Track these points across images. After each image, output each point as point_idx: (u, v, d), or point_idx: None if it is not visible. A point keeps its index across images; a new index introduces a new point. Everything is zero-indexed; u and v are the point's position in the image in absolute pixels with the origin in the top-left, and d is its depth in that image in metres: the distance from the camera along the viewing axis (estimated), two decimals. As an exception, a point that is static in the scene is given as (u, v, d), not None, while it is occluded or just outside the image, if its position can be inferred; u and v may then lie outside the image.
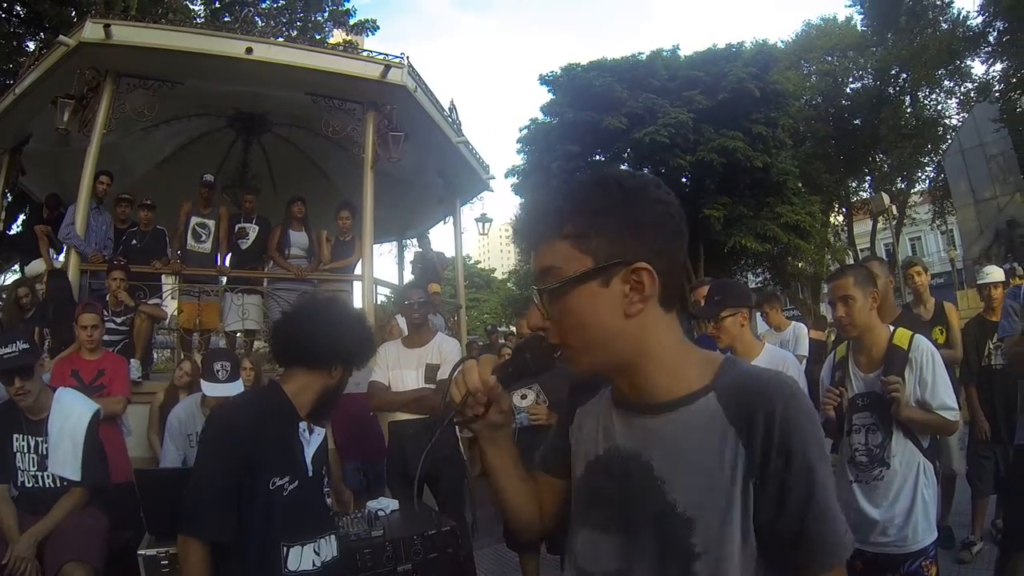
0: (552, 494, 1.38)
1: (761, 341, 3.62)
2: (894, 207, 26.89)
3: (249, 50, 7.16)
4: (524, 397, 4.46)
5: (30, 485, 3.58)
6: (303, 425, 2.32)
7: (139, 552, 3.20)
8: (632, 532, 1.14)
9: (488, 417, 1.29)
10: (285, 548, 2.17)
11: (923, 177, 29.40)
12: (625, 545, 1.15)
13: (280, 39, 8.77)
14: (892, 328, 3.06)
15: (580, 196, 1.15)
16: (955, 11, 22.96)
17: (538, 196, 1.38)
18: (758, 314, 6.37)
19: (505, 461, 1.37)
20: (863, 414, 3.01)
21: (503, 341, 10.74)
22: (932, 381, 2.89)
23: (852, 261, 24.14)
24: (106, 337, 5.75)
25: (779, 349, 3.76)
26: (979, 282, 5.53)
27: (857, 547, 2.96)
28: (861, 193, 31.27)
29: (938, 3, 22.78)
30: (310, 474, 2.31)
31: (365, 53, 8.20)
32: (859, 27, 27.13)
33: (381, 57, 7.67)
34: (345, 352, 2.35)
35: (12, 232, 11.10)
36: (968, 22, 22.45)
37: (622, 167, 24.49)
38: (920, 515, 2.86)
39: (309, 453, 2.32)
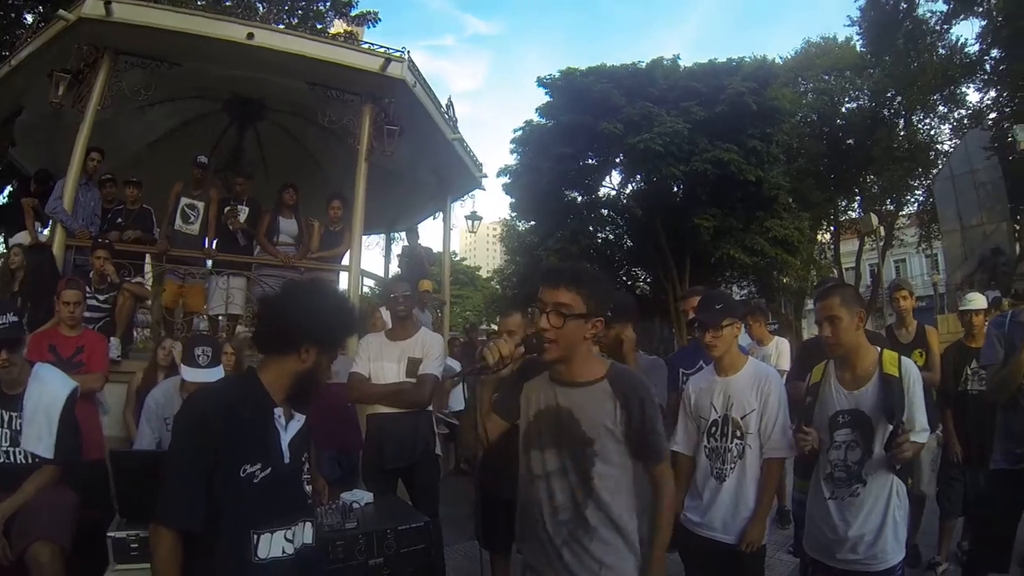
0: (496, 429, 2.50)
1: (746, 355, 3.63)
2: (882, 228, 27.12)
3: (250, 35, 7.11)
4: None
5: (1, 460, 3.52)
6: (279, 411, 2.30)
7: (108, 534, 3.19)
8: (562, 447, 2.34)
9: (501, 373, 2.32)
10: (255, 535, 2.16)
11: (912, 200, 29.49)
12: (558, 455, 2.34)
13: (281, 26, 8.73)
14: (879, 349, 3.09)
15: (591, 276, 2.34)
16: (953, 37, 23.00)
17: (567, 263, 2.56)
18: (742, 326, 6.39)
19: (487, 401, 2.46)
20: (844, 431, 3.03)
21: (483, 339, 10.73)
22: (915, 404, 2.93)
23: (821, 280, 24.33)
24: (88, 314, 5.71)
25: (763, 364, 3.76)
26: (961, 308, 5.58)
27: (826, 563, 3.03)
28: (850, 212, 31.43)
29: (936, 29, 22.83)
30: (286, 461, 2.28)
31: (366, 45, 8.18)
32: (858, 48, 27.20)
33: (382, 50, 7.63)
34: (315, 334, 2.28)
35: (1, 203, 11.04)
36: (965, 49, 22.53)
37: (615, 172, 24.59)
38: (890, 534, 2.90)
39: (285, 440, 2.30)
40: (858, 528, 2.91)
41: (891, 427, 2.84)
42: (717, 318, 3.39)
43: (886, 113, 27.61)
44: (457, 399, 7.57)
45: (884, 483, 2.94)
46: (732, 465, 3.30)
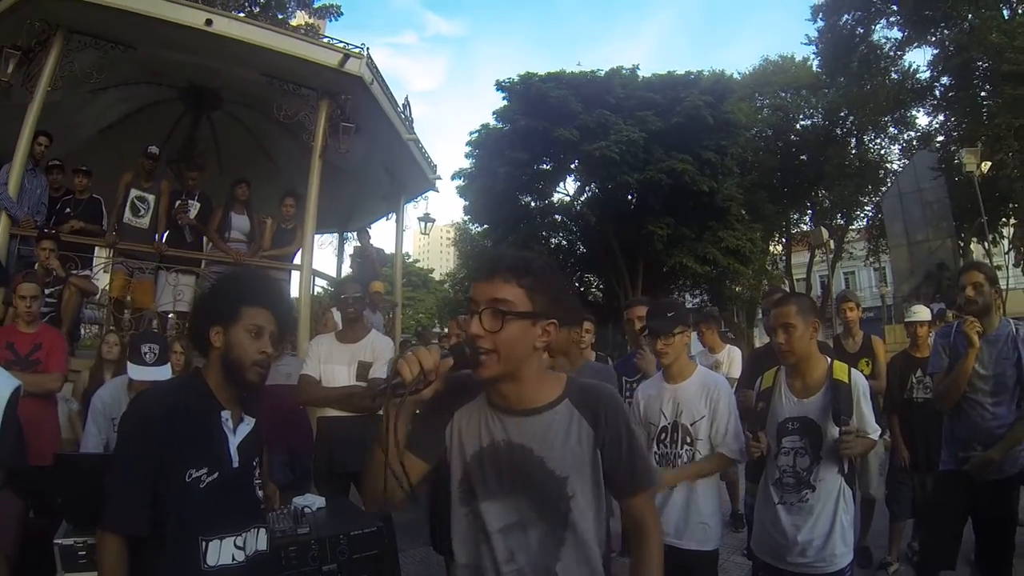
0: (415, 472, 1.77)
1: (694, 363, 3.65)
2: (832, 241, 27.81)
3: (209, 22, 6.88)
4: None
5: None
6: (226, 414, 2.21)
7: (55, 541, 3.06)
8: (523, 496, 1.74)
9: (423, 393, 1.63)
10: (204, 542, 2.09)
11: (861, 215, 30.55)
12: (518, 506, 1.74)
13: (241, 15, 8.53)
14: (829, 360, 3.14)
15: (538, 265, 1.74)
16: (906, 63, 23.93)
17: (504, 251, 2.07)
18: (693, 334, 6.43)
19: (403, 432, 1.73)
20: (792, 438, 3.07)
21: (435, 341, 10.66)
22: (865, 411, 3.05)
23: (788, 289, 24.81)
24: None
25: (711, 372, 3.79)
26: (907, 320, 5.72)
27: (776, 566, 3.07)
28: (802, 225, 32.33)
29: (890, 54, 23.65)
30: (235, 465, 2.20)
31: (325, 40, 8.10)
32: (814, 68, 27.89)
33: (341, 45, 7.50)
34: (214, 313, 2.21)
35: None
36: (917, 75, 23.40)
37: (570, 178, 24.70)
38: (838, 537, 2.95)
39: (234, 443, 2.21)
40: (807, 533, 2.95)
41: (839, 430, 2.91)
42: (668, 326, 3.38)
43: (839, 131, 28.58)
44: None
45: (832, 489, 2.98)
46: None
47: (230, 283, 2.35)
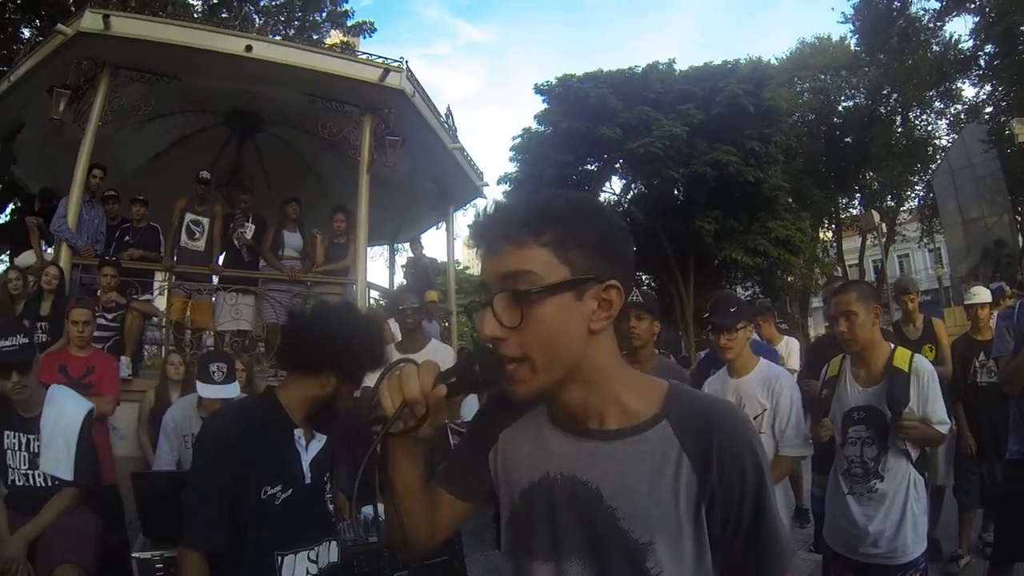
0: (450, 514, 1.33)
1: (757, 357, 3.62)
2: (883, 224, 27.11)
3: (249, 48, 7.10)
4: None
5: (20, 484, 3.49)
6: (299, 432, 2.28)
7: (133, 555, 3.19)
8: (583, 560, 1.15)
9: (420, 431, 1.16)
10: (279, 557, 2.16)
11: (912, 196, 29.74)
12: (581, 567, 1.15)
13: (277, 37, 8.71)
14: (892, 346, 3.09)
15: (560, 206, 1.13)
16: (947, 34, 23.11)
17: (508, 200, 1.31)
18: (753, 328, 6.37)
19: (416, 476, 1.26)
20: (859, 427, 3.04)
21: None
22: (932, 399, 2.96)
23: (829, 277, 24.29)
24: (97, 333, 5.67)
25: (774, 365, 3.75)
26: (967, 302, 5.59)
27: (849, 557, 3.04)
28: (851, 210, 31.58)
29: (929, 26, 22.95)
30: (308, 481, 2.27)
31: (364, 56, 8.17)
32: (852, 47, 27.28)
33: (380, 61, 7.63)
34: (338, 362, 2.22)
35: (1, 221, 11.02)
36: (959, 46, 22.64)
37: (615, 177, 24.58)
38: (910, 527, 2.91)
39: (306, 460, 2.28)
40: (879, 523, 2.92)
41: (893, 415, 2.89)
42: (732, 321, 3.40)
43: (883, 110, 27.82)
44: (470, 408, 7.55)
45: (902, 477, 2.95)
46: None
47: (375, 348, 2.33)
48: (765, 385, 3.35)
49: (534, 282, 1.07)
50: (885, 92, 27.03)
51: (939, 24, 22.76)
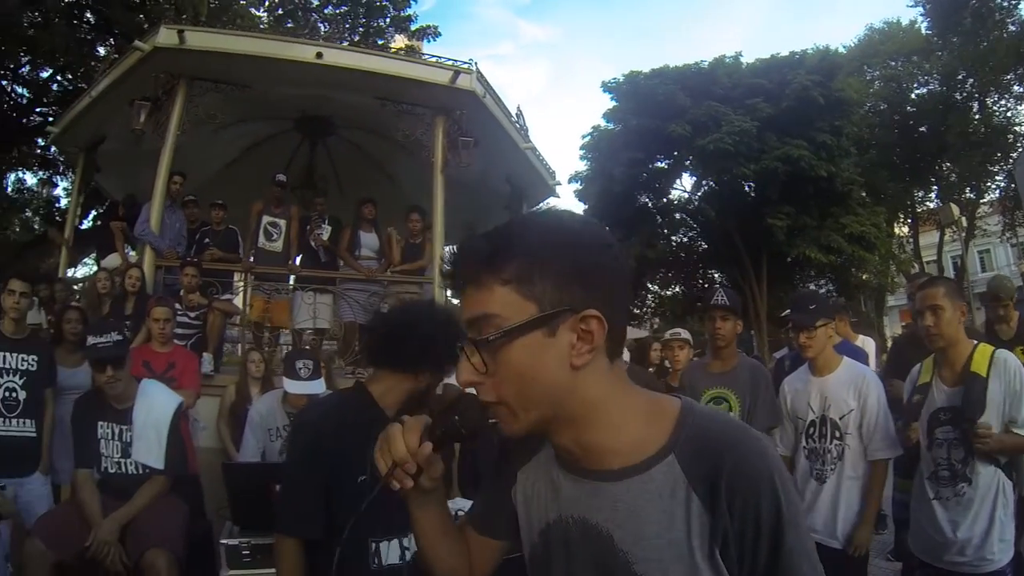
0: (487, 553, 1.32)
1: (840, 355, 3.56)
2: (963, 218, 26.05)
3: (319, 55, 7.32)
4: None
5: (112, 471, 3.72)
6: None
7: (222, 541, 3.32)
8: None
9: (419, 485, 1.19)
10: (373, 543, 2.22)
11: (992, 187, 28.25)
12: None
13: (345, 43, 8.90)
14: (974, 344, 3.01)
15: (522, 236, 1.05)
16: (1023, 13, 22.16)
17: (469, 236, 1.22)
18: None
19: (435, 525, 1.29)
20: (945, 428, 2.97)
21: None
22: (1020, 393, 2.84)
23: (915, 272, 23.48)
24: (180, 331, 5.92)
25: (858, 364, 3.69)
26: None
27: (934, 565, 2.97)
28: (927, 203, 30.40)
29: (1004, 5, 22.00)
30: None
31: (433, 59, 8.31)
32: (923, 31, 26.35)
33: (450, 63, 7.77)
34: (434, 358, 2.30)
35: (85, 227, 11.55)
36: (1038, 24, 21.64)
37: (685, 174, 24.31)
38: (997, 534, 2.83)
39: None
40: (966, 530, 2.84)
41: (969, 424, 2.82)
42: (810, 319, 3.38)
43: (958, 97, 26.66)
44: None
45: (990, 482, 2.86)
46: (832, 466, 3.31)
47: (458, 339, 2.42)
48: (852, 385, 3.31)
49: (499, 325, 1.01)
50: (960, 77, 25.96)
51: (1014, 3, 21.81)
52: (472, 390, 1.10)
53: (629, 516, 1.04)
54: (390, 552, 2.24)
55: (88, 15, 15.85)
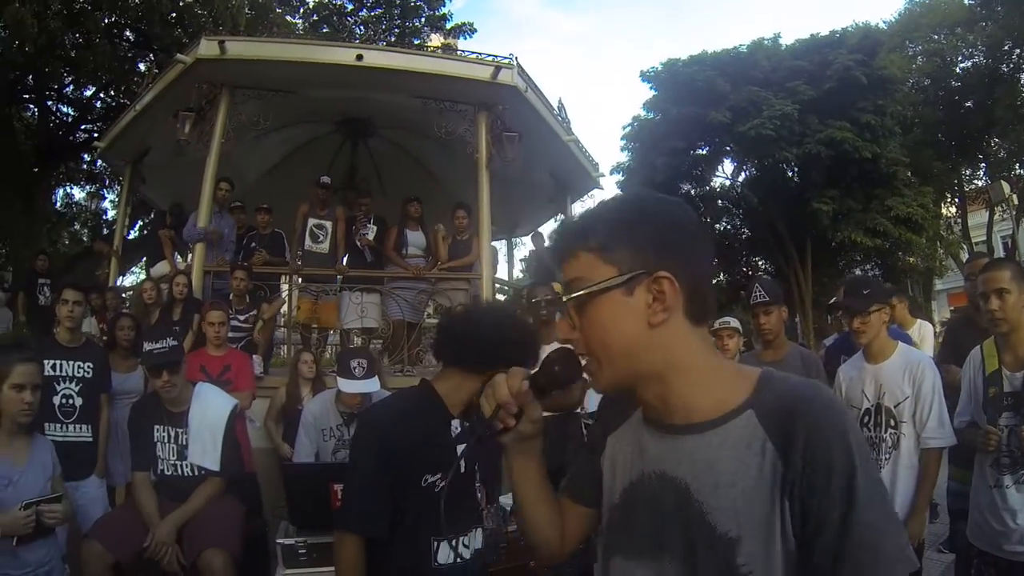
0: (577, 521, 1.41)
1: (895, 341, 3.51)
2: (1014, 195, 25.30)
3: (359, 57, 7.39)
4: None
5: (169, 473, 3.79)
6: (455, 423, 2.36)
7: (278, 541, 3.35)
8: (674, 556, 1.13)
9: (519, 428, 1.31)
10: (435, 542, 2.24)
11: (1044, 161, 27.48)
12: (665, 572, 1.15)
13: (383, 44, 8.96)
14: None
15: (605, 212, 1.23)
16: (1069, -23, 21.33)
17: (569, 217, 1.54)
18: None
19: (532, 476, 1.40)
20: (1008, 414, 2.89)
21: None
22: None
23: (967, 255, 22.85)
24: (231, 334, 6.00)
25: (914, 350, 3.66)
26: None
27: (994, 554, 2.89)
28: (976, 181, 29.52)
29: (1051, -31, 21.29)
30: (463, 470, 2.34)
31: (474, 55, 8.31)
32: (966, 1, 25.59)
33: (490, 59, 7.78)
34: (505, 359, 2.30)
35: (132, 237, 11.83)
36: (1087, -12, 20.85)
37: (727, 160, 24.05)
38: None
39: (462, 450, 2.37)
40: None
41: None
42: (864, 304, 3.33)
43: (1005, 69, 25.61)
44: (593, 400, 7.55)
45: None
46: (887, 456, 3.27)
47: (534, 344, 2.43)
48: (907, 371, 3.26)
49: (582, 287, 1.16)
50: (1006, 48, 25.02)
51: (1062, -33, 21.10)
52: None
53: (706, 467, 1.11)
54: (450, 551, 2.27)
55: (128, 33, 16.29)
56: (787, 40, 23.26)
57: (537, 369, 1.32)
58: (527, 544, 1.45)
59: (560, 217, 11.53)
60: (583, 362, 1.23)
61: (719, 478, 1.09)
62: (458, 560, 2.28)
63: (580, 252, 1.18)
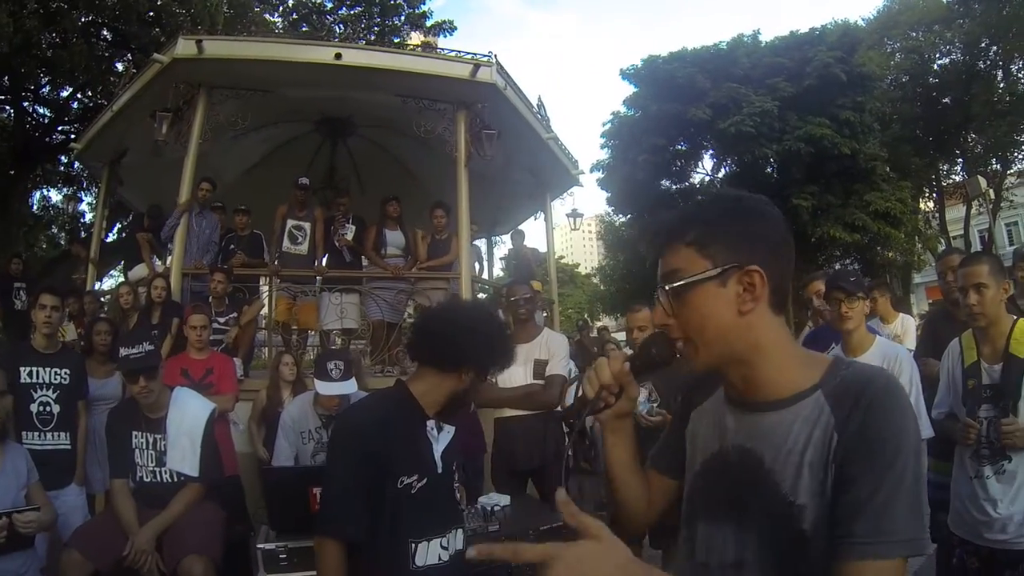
0: (662, 492, 1.53)
1: (873, 334, 3.56)
2: (991, 190, 25.57)
3: (338, 56, 7.30)
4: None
5: (148, 480, 3.74)
6: (431, 424, 2.36)
7: (258, 546, 3.31)
8: (748, 523, 1.24)
9: (618, 405, 1.44)
10: (413, 544, 2.23)
11: (1020, 157, 27.65)
12: (741, 536, 1.25)
13: (362, 42, 8.90)
14: (1014, 319, 2.96)
15: (703, 209, 1.35)
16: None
17: (667, 210, 1.40)
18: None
19: (626, 451, 1.52)
20: (987, 406, 2.93)
21: (594, 335, 10.55)
22: None
23: (944, 249, 23.04)
24: (212, 337, 5.95)
25: (891, 343, 3.69)
26: None
27: (974, 543, 2.92)
28: (953, 176, 29.81)
29: (1027, -34, 21.53)
30: (440, 471, 2.35)
31: (453, 53, 8.23)
32: (943, -1, 25.87)
33: (470, 57, 7.73)
34: (477, 358, 2.34)
35: (110, 240, 11.69)
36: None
37: (707, 155, 24.10)
38: None
39: (438, 450, 2.37)
40: (1006, 507, 2.81)
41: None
42: (856, 286, 3.41)
43: (982, 65, 26.05)
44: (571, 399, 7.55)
45: None
46: None
47: (508, 344, 2.49)
48: (884, 364, 3.25)
49: (681, 277, 1.26)
50: (983, 45, 25.41)
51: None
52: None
53: (780, 441, 1.21)
54: (429, 553, 2.26)
55: (105, 32, 16.09)
56: (767, 37, 23.66)
57: (635, 351, 1.45)
58: (613, 518, 1.52)
59: (540, 215, 11.54)
60: (677, 345, 1.33)
61: (790, 451, 1.19)
62: (439, 561, 2.27)
63: (678, 246, 1.29)
